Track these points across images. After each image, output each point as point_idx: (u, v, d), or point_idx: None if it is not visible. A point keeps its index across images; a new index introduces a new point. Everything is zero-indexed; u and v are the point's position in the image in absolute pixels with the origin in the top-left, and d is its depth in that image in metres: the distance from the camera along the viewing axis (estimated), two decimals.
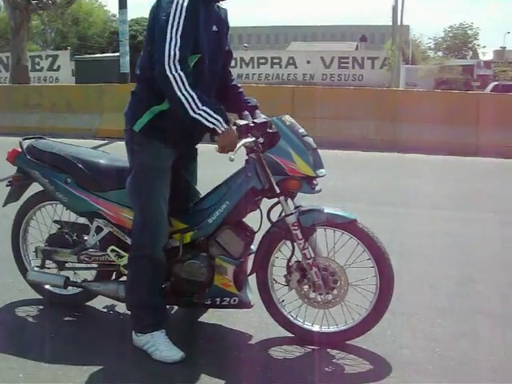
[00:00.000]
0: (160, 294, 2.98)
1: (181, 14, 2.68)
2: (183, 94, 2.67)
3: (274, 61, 31.55)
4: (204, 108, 2.69)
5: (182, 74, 2.66)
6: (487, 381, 2.70)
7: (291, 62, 31.18)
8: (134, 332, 2.96)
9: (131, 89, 3.03)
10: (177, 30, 2.67)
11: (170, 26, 2.67)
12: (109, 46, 42.42)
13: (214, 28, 2.91)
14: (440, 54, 54.45)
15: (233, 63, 28.36)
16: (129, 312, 3.07)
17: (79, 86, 13.01)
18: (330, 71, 30.61)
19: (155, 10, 2.79)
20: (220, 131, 2.71)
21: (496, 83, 27.77)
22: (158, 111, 2.85)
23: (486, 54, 57.46)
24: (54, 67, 29.38)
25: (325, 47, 40.84)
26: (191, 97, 2.67)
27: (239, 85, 3.20)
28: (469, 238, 4.92)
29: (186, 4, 2.69)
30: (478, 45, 58.01)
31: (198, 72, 2.79)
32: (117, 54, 16.63)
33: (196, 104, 2.68)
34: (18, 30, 18.24)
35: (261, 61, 31.63)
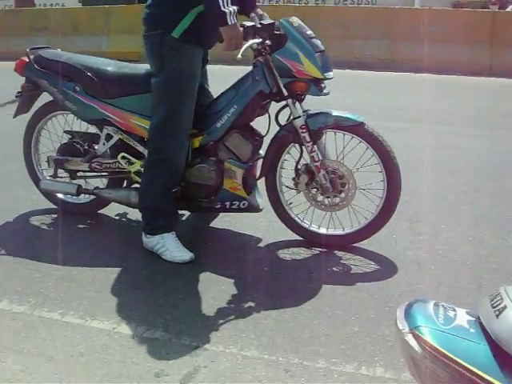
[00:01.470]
0: (172, 198, 3.04)
1: None
2: None
3: None
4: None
5: None
6: (488, 280, 2.78)
7: None
8: (143, 234, 3.04)
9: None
10: None
11: None
12: None
13: None
14: None
15: None
16: (140, 217, 3.15)
17: (85, 9, 12.71)
18: None
19: None
20: (229, 22, 2.68)
21: None
22: (198, 12, 2.80)
23: None
24: None
25: None
26: None
27: None
28: (477, 151, 4.92)
29: None
30: None
31: None
32: None
33: None
34: None
35: None
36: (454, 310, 1.05)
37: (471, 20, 10.09)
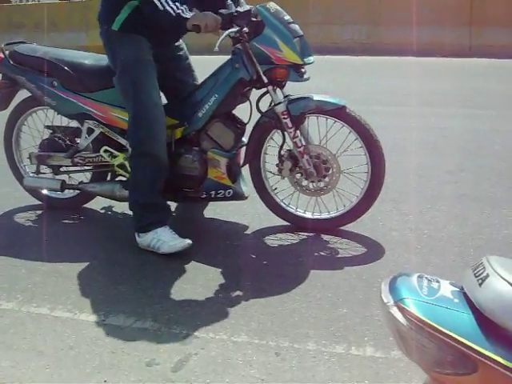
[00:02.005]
0: (160, 192, 3.00)
1: None
2: None
3: None
4: (173, 4, 2.68)
5: None
6: (474, 257, 2.79)
7: None
8: (136, 234, 2.98)
9: None
10: None
11: None
12: None
13: None
14: None
15: None
16: (129, 212, 3.13)
17: (63, 3, 12.61)
18: None
19: None
20: (188, 15, 2.69)
21: None
22: (134, 5, 2.82)
23: None
24: None
25: None
26: None
27: None
28: (459, 131, 4.94)
29: None
30: None
31: None
32: None
33: (167, 1, 2.67)
34: None
35: None
36: (438, 282, 1.05)
37: (451, 2, 10.12)
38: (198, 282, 2.66)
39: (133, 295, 2.58)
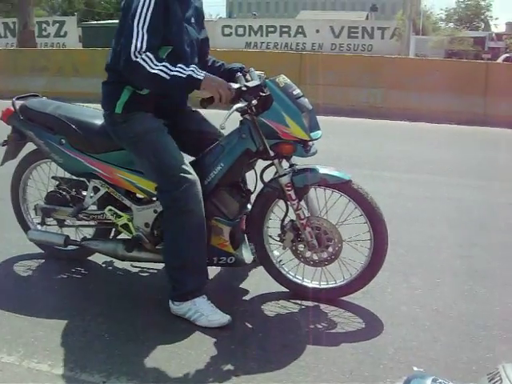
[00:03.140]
0: (204, 252, 2.89)
1: (148, 7, 2.66)
2: (156, 67, 2.63)
3: (283, 29, 31.14)
4: (178, 67, 2.66)
5: (148, 54, 2.64)
6: (483, 337, 2.75)
7: (300, 30, 30.78)
8: (171, 301, 2.89)
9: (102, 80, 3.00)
10: (143, 24, 2.65)
11: (137, 20, 2.65)
12: (116, 12, 42.02)
13: (192, 20, 2.92)
14: (451, 25, 53.68)
15: (241, 31, 27.67)
16: (135, 268, 3.10)
17: (86, 50, 12.99)
18: (339, 41, 30.22)
19: (126, 5, 2.76)
20: (200, 77, 2.66)
21: (507, 55, 27.46)
22: (131, 89, 2.84)
23: (499, 26, 56.81)
24: (61, 33, 29.11)
25: (334, 16, 40.28)
26: (163, 66, 2.64)
27: (217, 61, 3.19)
28: (471, 203, 4.94)
29: None
30: (491, 16, 57.42)
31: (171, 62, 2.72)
32: None
33: (169, 69, 2.65)
34: None
35: (269, 29, 31.23)
36: None
37: (465, 70, 10.31)
38: (203, 347, 2.61)
39: (136, 357, 2.54)
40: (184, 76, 2.65)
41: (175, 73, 2.65)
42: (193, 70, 2.67)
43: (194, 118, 3.15)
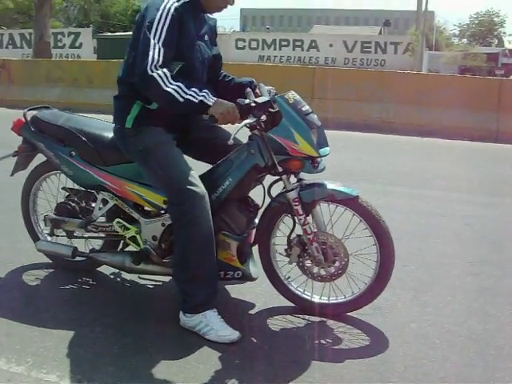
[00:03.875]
0: (214, 265, 2.89)
1: (165, 21, 2.71)
2: (170, 86, 2.68)
3: (296, 43, 31.23)
4: (192, 90, 2.70)
5: (165, 70, 2.69)
6: (494, 356, 2.72)
7: (313, 45, 30.85)
8: (181, 313, 2.89)
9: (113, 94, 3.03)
10: (159, 37, 2.70)
11: (153, 33, 2.70)
12: (131, 24, 42.34)
13: (206, 38, 2.96)
14: (464, 41, 53.75)
15: (254, 45, 27.80)
16: (142, 280, 3.10)
17: (101, 62, 13.12)
18: (352, 55, 30.26)
19: (141, 18, 2.81)
20: (210, 103, 2.70)
21: None
22: (141, 104, 2.88)
23: None
24: (76, 44, 29.37)
25: (348, 31, 40.43)
26: (178, 86, 2.68)
27: (228, 75, 3.22)
28: (484, 220, 4.91)
29: (171, 11, 2.73)
30: (504, 32, 57.60)
31: (181, 78, 2.76)
32: None
33: (184, 91, 2.69)
34: (42, 6, 18.37)
35: (283, 43, 31.34)
36: None
37: (478, 86, 10.28)
38: (212, 361, 2.61)
39: (145, 370, 2.54)
40: (196, 101, 2.71)
41: (189, 96, 2.70)
42: (204, 96, 2.72)
43: (205, 126, 3.14)
